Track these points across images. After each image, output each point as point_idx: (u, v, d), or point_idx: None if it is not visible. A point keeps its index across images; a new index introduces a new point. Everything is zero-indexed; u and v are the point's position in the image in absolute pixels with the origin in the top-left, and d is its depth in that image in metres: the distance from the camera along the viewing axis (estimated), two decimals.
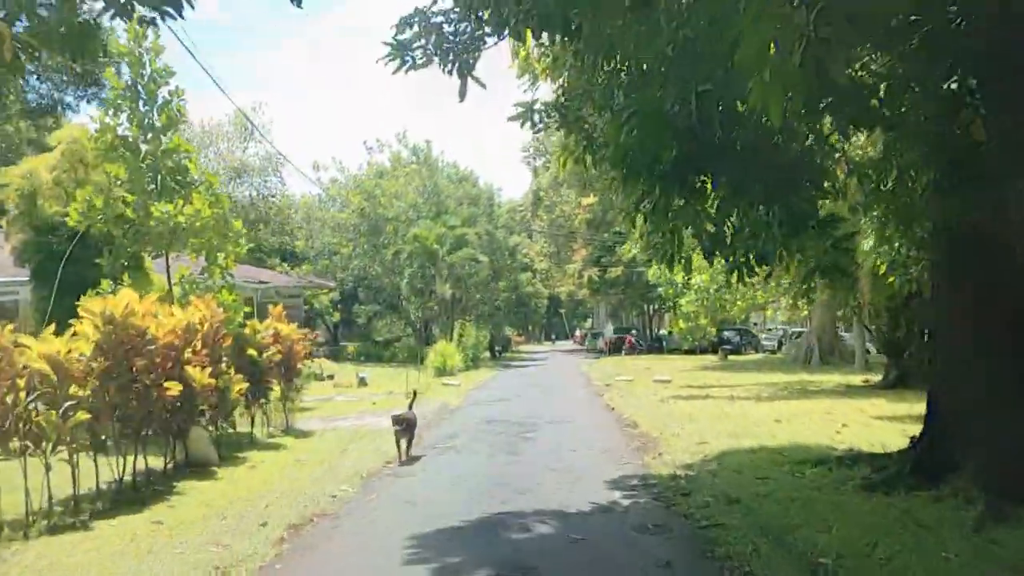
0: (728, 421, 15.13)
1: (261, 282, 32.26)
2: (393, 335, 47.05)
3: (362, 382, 28.35)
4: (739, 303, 24.49)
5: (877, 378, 24.76)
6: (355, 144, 65.07)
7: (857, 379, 25.14)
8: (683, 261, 9.63)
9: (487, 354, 53.31)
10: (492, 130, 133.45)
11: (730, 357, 44.58)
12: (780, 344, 48.63)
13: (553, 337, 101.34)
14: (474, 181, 44.09)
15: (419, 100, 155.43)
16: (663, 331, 62.39)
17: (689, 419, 15.63)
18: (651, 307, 59.69)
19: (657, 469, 10.82)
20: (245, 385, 12.38)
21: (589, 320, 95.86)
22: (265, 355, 13.48)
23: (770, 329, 55.63)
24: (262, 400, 13.84)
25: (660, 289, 29.80)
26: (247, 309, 15.66)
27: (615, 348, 51.22)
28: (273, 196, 45.86)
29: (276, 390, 14.90)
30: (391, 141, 44.28)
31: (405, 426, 11.90)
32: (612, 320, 66.80)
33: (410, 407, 12.82)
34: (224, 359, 12.14)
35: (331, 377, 31.14)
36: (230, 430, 13.18)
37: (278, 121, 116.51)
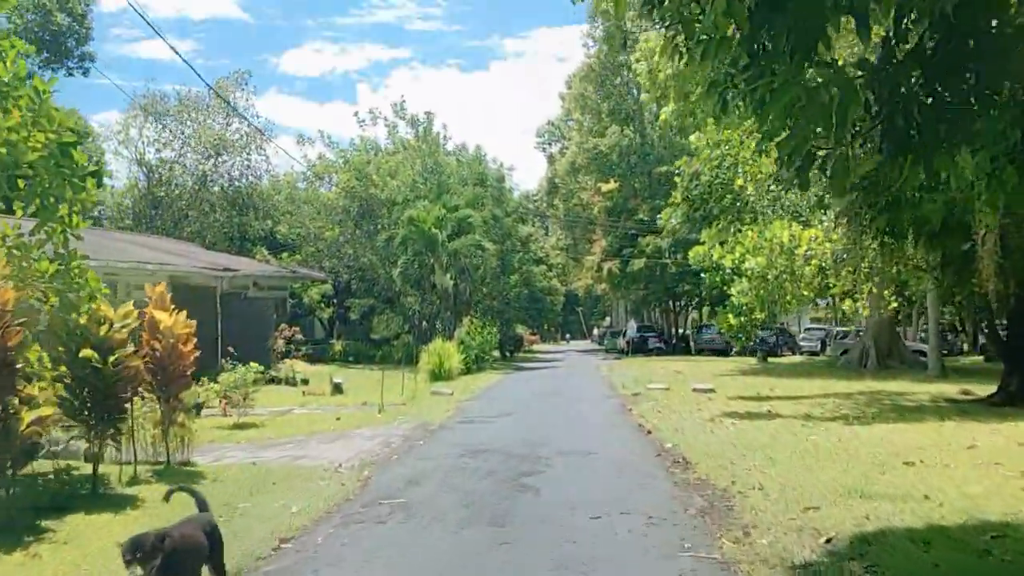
0: (829, 461, 10.11)
1: (227, 269, 27.49)
2: (391, 332, 42.20)
3: (337, 389, 23.57)
4: (804, 291, 19.36)
5: (968, 387, 19.73)
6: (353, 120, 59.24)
7: (949, 389, 20.05)
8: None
9: (496, 353, 48.51)
10: (505, 119, 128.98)
11: (769, 359, 39.59)
12: (823, 345, 43.35)
13: (568, 336, 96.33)
14: (481, 158, 39.11)
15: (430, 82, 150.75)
16: (689, 329, 57.29)
17: (765, 455, 10.65)
18: (677, 303, 54.58)
19: (754, 572, 5.88)
20: (51, 411, 7.52)
21: (607, 318, 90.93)
22: (114, 358, 8.58)
23: (809, 329, 50.30)
24: (111, 429, 8.94)
25: (705, 276, 24.06)
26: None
27: (638, 348, 46.16)
28: (256, 177, 41.13)
29: (155, 410, 10.07)
30: (387, 113, 39.21)
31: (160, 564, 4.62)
32: (634, 317, 61.71)
33: (199, 506, 5.82)
34: (22, 365, 7.32)
35: (306, 382, 26.39)
36: (54, 475, 8.37)
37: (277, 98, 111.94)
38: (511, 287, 41.42)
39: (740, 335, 24.30)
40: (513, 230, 40.48)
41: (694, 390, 20.43)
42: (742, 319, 20.97)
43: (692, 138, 37.72)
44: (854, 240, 14.56)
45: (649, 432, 13.66)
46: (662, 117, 36.54)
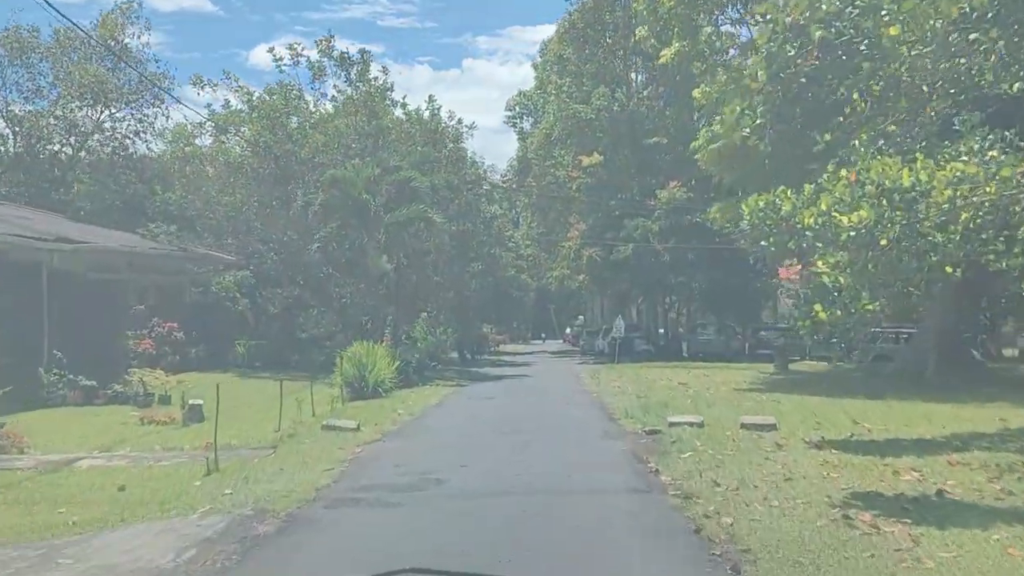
0: None
1: (61, 240, 19.39)
2: (324, 331, 33.95)
3: (192, 412, 15.62)
4: (944, 266, 11.77)
5: None
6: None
7: None
8: None
9: (455, 355, 40.74)
10: (477, 118, 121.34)
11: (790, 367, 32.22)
12: (849, 350, 35.95)
13: (543, 336, 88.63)
14: (434, 110, 31.02)
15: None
16: (681, 328, 49.80)
17: None
18: (668, 298, 47.07)
19: None
20: None
21: (580, 317, 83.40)
22: None
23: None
24: None
25: (767, 244, 14.46)
26: None
27: (624, 351, 38.41)
28: (156, 135, 32.79)
29: None
30: (311, 52, 30.78)
31: None
32: (618, 315, 54.03)
33: None
34: None
35: (166, 401, 18.49)
36: None
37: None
38: (471, 276, 33.46)
39: (835, 338, 15.59)
40: (474, 205, 32.59)
41: (744, 426, 12.71)
42: (837, 311, 12.46)
43: (696, 92, 30.29)
44: None
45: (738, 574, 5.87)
46: (663, 58, 28.96)
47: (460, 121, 31.62)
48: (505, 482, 9.38)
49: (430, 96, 43.39)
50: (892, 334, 35.05)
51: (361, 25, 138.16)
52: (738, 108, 16.75)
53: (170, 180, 30.68)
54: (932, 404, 16.90)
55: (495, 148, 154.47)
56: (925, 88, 12.14)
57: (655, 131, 43.90)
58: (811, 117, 15.55)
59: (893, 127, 14.66)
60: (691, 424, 12.83)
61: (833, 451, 10.58)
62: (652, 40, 29.13)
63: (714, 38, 29.30)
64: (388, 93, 30.81)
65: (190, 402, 15.83)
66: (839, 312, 11.66)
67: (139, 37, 32.74)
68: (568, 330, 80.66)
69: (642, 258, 41.10)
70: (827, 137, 10.30)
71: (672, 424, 12.88)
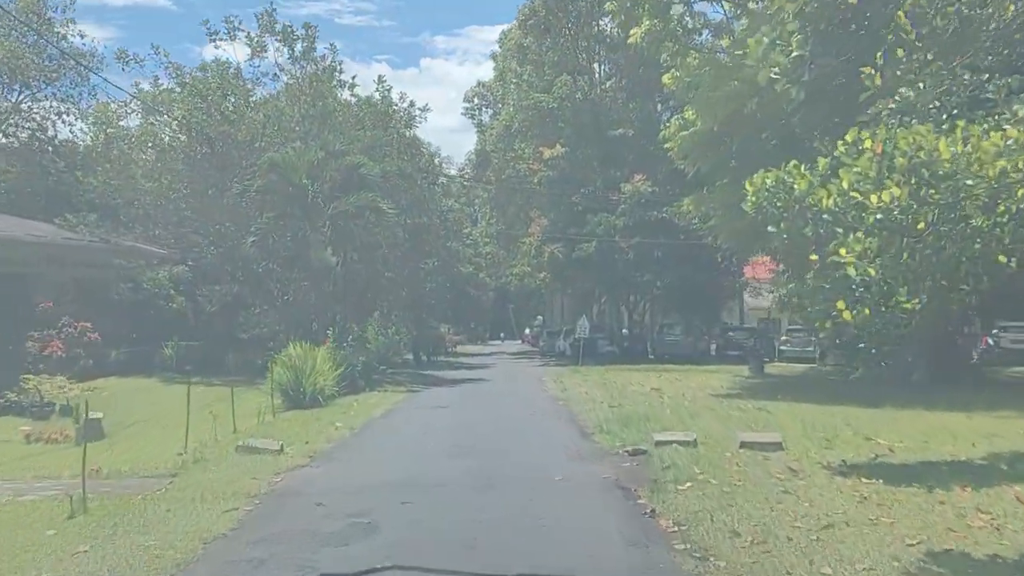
0: None
1: None
2: (268, 331, 31.32)
3: (89, 428, 13.13)
4: (998, 255, 9.83)
5: None
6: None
7: None
8: None
9: (410, 357, 38.43)
10: (434, 117, 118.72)
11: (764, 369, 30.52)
12: (823, 351, 34.39)
13: (502, 336, 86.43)
14: (385, 92, 28.44)
15: None
16: (643, 329, 48.05)
17: None
18: (633, 297, 45.27)
19: None
20: None
21: (540, 317, 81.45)
22: None
23: (792, 331, 41.46)
24: None
25: (777, 230, 11.73)
26: None
27: (587, 352, 36.47)
28: (81, 118, 29.87)
29: None
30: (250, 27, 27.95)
31: None
32: (582, 314, 52.08)
33: None
34: None
35: (69, 412, 15.96)
36: None
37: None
38: (426, 273, 31.10)
39: (863, 343, 12.66)
40: (429, 195, 30.26)
41: (744, 445, 10.68)
42: (865, 310, 9.87)
43: (666, 78, 28.44)
44: None
45: None
46: (632, 37, 27.01)
47: (412, 104, 29.30)
48: (458, 529, 7.20)
49: (379, 76, 41.00)
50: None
51: (319, 22, 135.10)
52: (765, 38, 14.27)
53: (93, 166, 27.77)
54: (938, 413, 15.14)
55: (453, 148, 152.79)
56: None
57: (620, 122, 42.05)
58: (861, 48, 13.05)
59: (923, 84, 12.83)
60: (682, 443, 10.75)
61: (863, 480, 8.59)
62: (622, 16, 27.06)
63: (687, 17, 27.48)
64: (336, 74, 28.35)
65: (88, 416, 13.34)
66: (867, 311, 9.67)
67: (64, 12, 29.77)
68: (527, 330, 78.76)
69: (606, 255, 39.25)
70: (876, 80, 8.24)
71: (659, 443, 10.79)
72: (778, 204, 10.38)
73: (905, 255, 9.61)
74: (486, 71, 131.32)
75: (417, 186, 28.51)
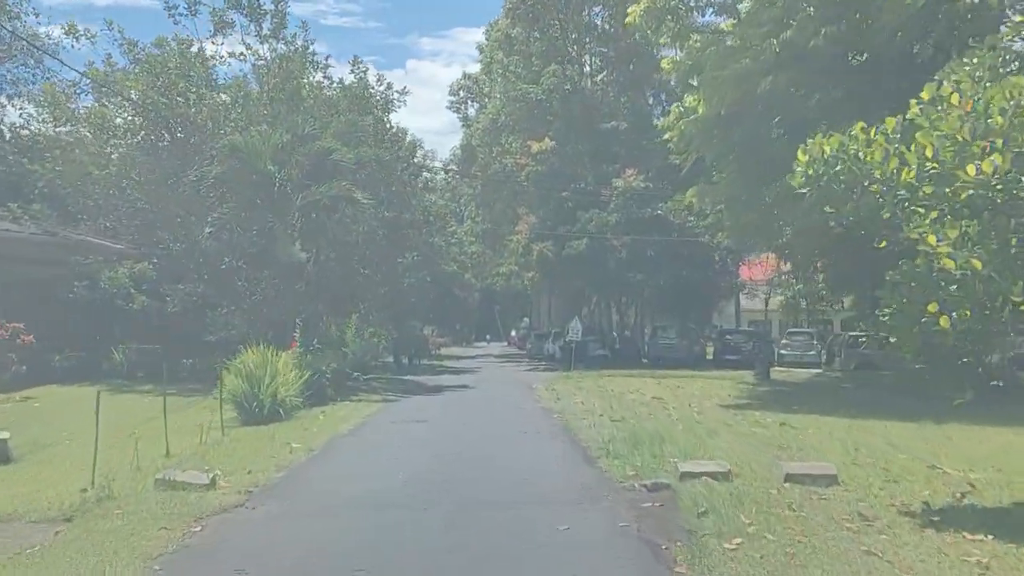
0: None
1: None
2: (236, 333, 28.90)
3: None
4: None
5: None
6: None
7: None
8: None
9: (391, 360, 36.23)
10: (421, 119, 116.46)
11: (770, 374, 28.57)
12: (830, 355, 32.45)
13: (488, 338, 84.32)
14: (360, 73, 26.16)
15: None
16: (635, 331, 46.03)
17: None
18: (624, 299, 43.27)
19: None
20: None
21: (526, 319, 79.50)
22: None
23: (793, 334, 39.53)
24: None
25: (829, 211, 9.01)
26: None
27: (578, 356, 34.37)
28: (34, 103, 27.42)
29: None
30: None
31: None
32: (574, 316, 50.03)
33: None
34: None
35: None
36: None
37: None
38: (405, 269, 28.86)
39: (965, 357, 8.94)
40: (410, 189, 28.05)
41: (791, 478, 8.59)
42: (966, 312, 7.18)
43: (665, 63, 26.52)
44: None
45: None
46: (630, 16, 24.94)
47: (390, 86, 27.03)
48: None
49: (355, 57, 38.45)
50: (865, 336, 31.73)
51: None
52: None
53: (42, 152, 25.36)
54: (987, 429, 13.18)
55: (439, 150, 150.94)
56: None
57: (611, 115, 40.08)
58: None
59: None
60: (713, 475, 8.66)
61: (966, 535, 6.52)
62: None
63: None
64: (309, 54, 26.06)
65: None
66: (968, 312, 7.53)
67: None
68: (513, 332, 76.78)
69: (597, 253, 37.25)
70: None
71: (686, 474, 8.69)
72: (841, 177, 8.28)
73: (1014, 240, 7.50)
74: (472, 73, 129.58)
75: (396, 176, 26.29)
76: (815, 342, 37.20)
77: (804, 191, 8.34)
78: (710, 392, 22.16)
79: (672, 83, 45.47)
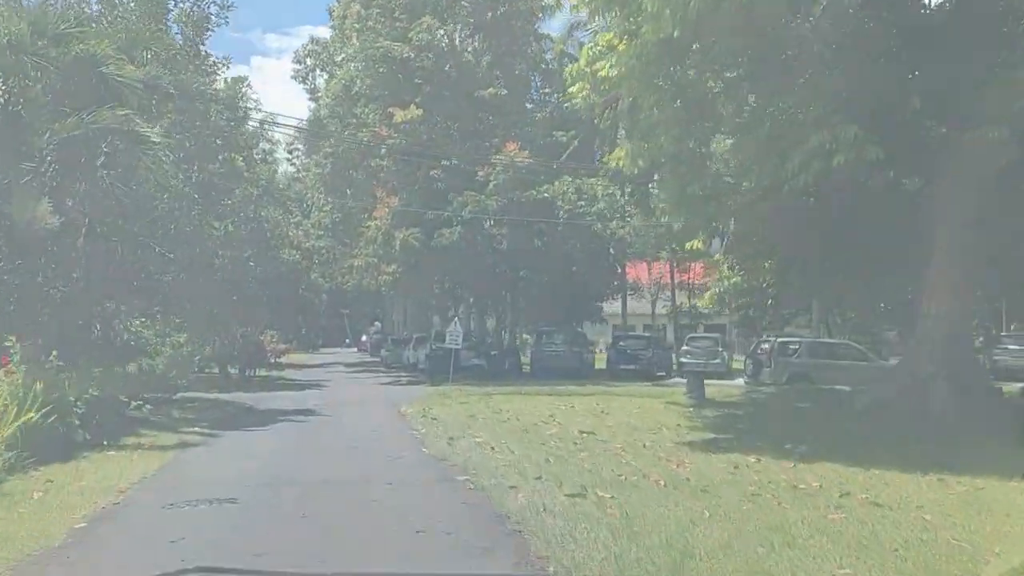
0: None
1: None
2: None
3: None
4: None
5: None
6: None
7: None
8: None
9: (216, 370, 28.72)
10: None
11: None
12: (757, 364, 27.57)
13: (348, 341, 76.29)
14: None
15: None
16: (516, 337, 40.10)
17: None
18: (508, 296, 37.26)
19: None
20: None
21: (377, 323, 72.46)
22: None
23: (694, 339, 34.80)
24: None
25: None
26: None
27: (454, 367, 27.73)
28: None
29: None
30: None
31: None
32: (420, 320, 43.51)
33: None
34: None
35: None
36: None
37: None
38: (218, 245, 21.03)
39: None
40: (234, 140, 20.65)
41: None
42: None
43: None
44: None
45: None
46: None
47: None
48: None
49: None
50: (797, 344, 27.32)
51: None
52: None
53: None
54: None
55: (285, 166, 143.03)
56: None
57: (489, 82, 34.08)
58: None
59: None
60: None
61: None
62: None
63: None
64: None
65: None
66: None
67: None
68: (364, 337, 69.32)
69: (473, 244, 31.18)
70: None
71: None
72: None
73: None
74: (324, 35, 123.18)
75: (211, 121, 18.92)
76: (720, 349, 32.65)
77: None
78: (647, 419, 16.49)
79: (550, 57, 40.61)
